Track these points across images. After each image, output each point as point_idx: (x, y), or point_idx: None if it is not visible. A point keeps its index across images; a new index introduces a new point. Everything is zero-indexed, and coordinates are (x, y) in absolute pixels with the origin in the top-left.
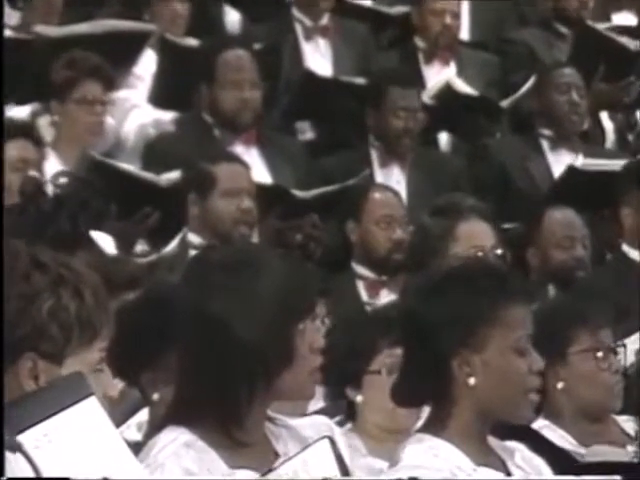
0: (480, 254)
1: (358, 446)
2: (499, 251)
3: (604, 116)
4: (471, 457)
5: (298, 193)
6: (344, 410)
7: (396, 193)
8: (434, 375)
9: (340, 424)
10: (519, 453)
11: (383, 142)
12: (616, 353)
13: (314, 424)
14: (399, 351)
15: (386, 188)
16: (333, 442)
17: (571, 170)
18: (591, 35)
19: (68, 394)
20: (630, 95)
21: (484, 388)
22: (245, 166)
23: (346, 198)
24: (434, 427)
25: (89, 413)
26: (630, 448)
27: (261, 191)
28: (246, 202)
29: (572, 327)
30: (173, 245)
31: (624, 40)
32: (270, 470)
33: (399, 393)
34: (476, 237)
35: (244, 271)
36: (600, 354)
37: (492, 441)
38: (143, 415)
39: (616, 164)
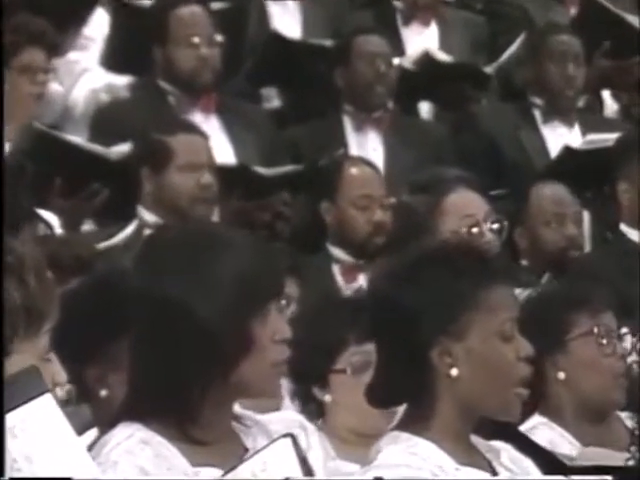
0: (475, 230)
1: (327, 448)
2: (495, 225)
3: (606, 94)
4: (453, 456)
5: (264, 171)
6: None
7: (374, 167)
8: (412, 368)
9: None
10: (506, 453)
11: (356, 101)
12: (621, 339)
13: (284, 420)
14: (368, 347)
15: (363, 162)
16: (295, 441)
17: (567, 150)
18: (597, 7)
19: (24, 390)
20: (634, 74)
21: (468, 379)
22: (204, 137)
23: (318, 175)
24: (412, 424)
25: (44, 410)
26: (632, 448)
27: (223, 171)
28: (206, 177)
29: (571, 310)
30: (131, 228)
31: (631, 18)
32: (229, 470)
33: (374, 393)
34: (467, 207)
35: (202, 252)
36: (603, 338)
37: (476, 440)
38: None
39: (613, 137)
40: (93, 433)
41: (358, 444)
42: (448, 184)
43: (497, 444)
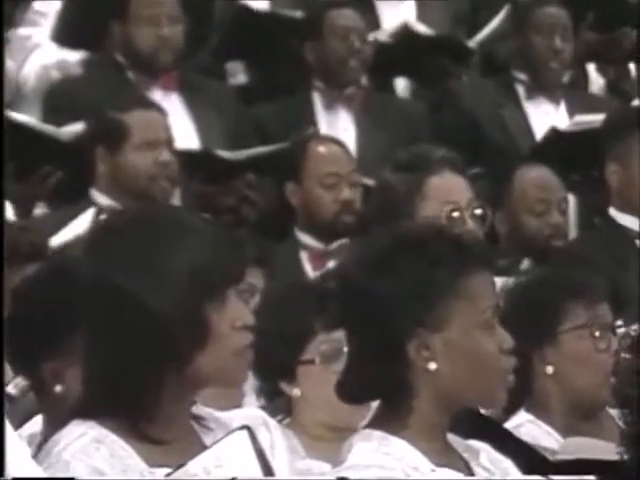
0: (456, 214)
1: (295, 447)
2: (478, 211)
3: (591, 68)
4: (429, 456)
5: (228, 155)
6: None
7: (342, 145)
8: (386, 362)
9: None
10: (485, 453)
11: (327, 78)
12: (615, 332)
13: (246, 417)
14: (337, 335)
15: (330, 140)
16: (252, 433)
17: (553, 132)
18: None
19: None
20: (622, 47)
21: (447, 373)
22: (162, 113)
23: (285, 156)
24: (386, 422)
25: None
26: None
27: (185, 154)
28: (164, 154)
29: (565, 300)
30: (87, 213)
31: None
32: (179, 467)
33: (346, 388)
34: (449, 192)
35: (156, 238)
36: (597, 332)
37: (453, 439)
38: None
39: (602, 118)
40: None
41: (330, 440)
42: (433, 165)
43: (476, 444)
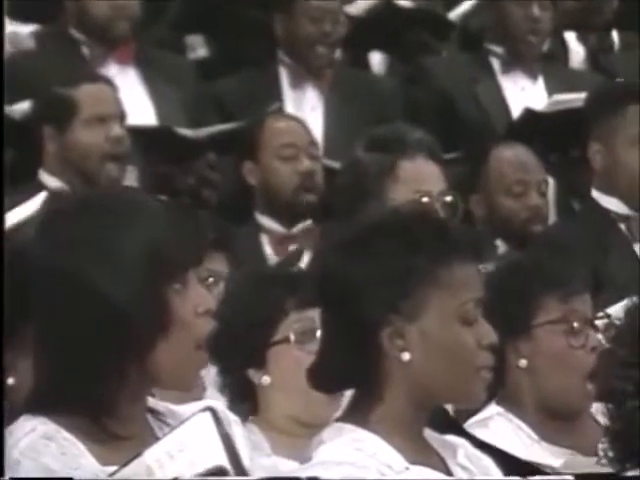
0: (425, 200)
1: (261, 443)
2: (449, 198)
3: (571, 37)
4: (404, 453)
5: (188, 133)
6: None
7: (300, 121)
8: (359, 350)
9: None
10: (463, 450)
11: (295, 55)
12: (595, 327)
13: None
14: (311, 313)
15: (287, 116)
16: (217, 416)
17: (529, 113)
18: None
19: None
20: (604, 14)
21: (421, 365)
22: (112, 86)
23: (244, 134)
24: (358, 415)
25: None
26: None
27: (142, 132)
28: (115, 129)
29: (537, 293)
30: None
31: None
32: (136, 456)
33: (318, 374)
34: (422, 180)
35: (109, 220)
36: (573, 328)
37: (430, 435)
38: None
39: (583, 97)
40: None
41: (299, 435)
42: (407, 147)
43: (454, 440)
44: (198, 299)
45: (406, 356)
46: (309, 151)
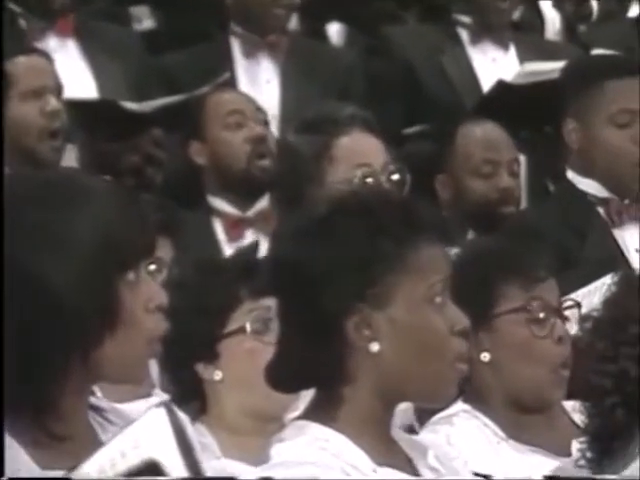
0: (369, 180)
1: (210, 444)
2: (396, 176)
3: (546, 5)
4: (370, 454)
5: (131, 106)
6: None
7: (246, 94)
8: (322, 343)
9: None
10: (433, 451)
11: (247, 22)
12: (563, 316)
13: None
14: (266, 302)
15: (232, 90)
16: (171, 411)
17: (500, 86)
18: None
19: None
20: None
21: (391, 356)
22: (47, 57)
23: (191, 109)
24: (322, 413)
25: None
26: (576, 446)
27: (83, 106)
28: (52, 102)
29: (500, 278)
30: None
31: None
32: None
33: (277, 372)
34: (361, 154)
35: (53, 204)
36: (536, 316)
37: (398, 435)
38: None
39: (559, 68)
40: None
41: (253, 434)
42: (340, 124)
43: (424, 440)
44: (150, 293)
45: (375, 347)
46: (257, 117)
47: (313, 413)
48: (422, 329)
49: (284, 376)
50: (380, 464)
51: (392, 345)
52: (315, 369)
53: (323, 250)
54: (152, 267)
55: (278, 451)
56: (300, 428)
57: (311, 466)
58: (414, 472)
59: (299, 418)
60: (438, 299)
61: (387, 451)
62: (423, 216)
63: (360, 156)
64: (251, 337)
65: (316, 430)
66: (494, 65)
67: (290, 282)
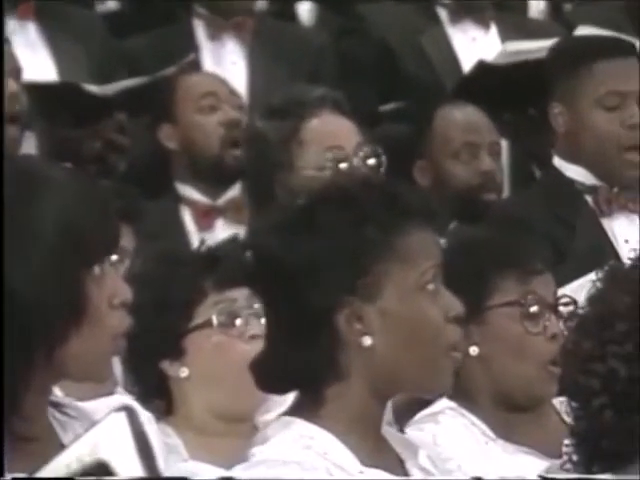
0: (343, 164)
1: (176, 446)
2: (372, 159)
3: None
4: (358, 453)
5: (94, 89)
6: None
7: (220, 76)
8: (312, 340)
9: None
10: (425, 451)
11: (211, 5)
12: (558, 312)
13: (111, 407)
14: (233, 294)
15: (204, 72)
16: (133, 415)
17: (481, 66)
18: None
19: None
20: None
21: (384, 349)
22: (5, 41)
23: (158, 92)
24: (309, 410)
25: None
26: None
27: (42, 90)
28: (10, 85)
29: (495, 270)
30: None
31: None
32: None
33: (264, 372)
34: (331, 136)
35: (11, 195)
36: (530, 311)
37: (389, 433)
38: None
39: (543, 47)
40: None
41: (221, 435)
42: (309, 106)
43: (416, 438)
44: (114, 288)
45: (367, 341)
46: (231, 100)
47: (299, 410)
48: (415, 319)
49: (272, 376)
50: (368, 465)
51: (385, 338)
52: (305, 368)
53: (307, 243)
54: (114, 257)
55: (260, 448)
56: (285, 424)
57: (294, 465)
58: (404, 473)
59: (285, 414)
60: (431, 286)
61: (376, 451)
62: (409, 200)
63: (331, 138)
64: (218, 331)
65: (301, 427)
66: (474, 44)
67: (275, 278)
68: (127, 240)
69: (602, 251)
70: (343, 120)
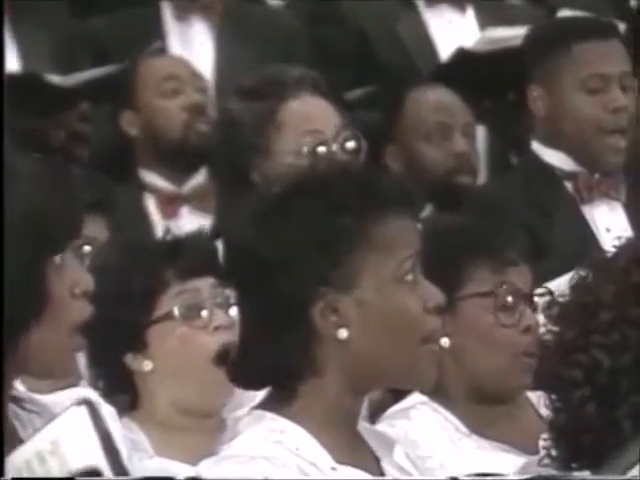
0: (322, 149)
1: (141, 442)
2: (350, 144)
3: None
4: (331, 450)
5: (58, 80)
6: None
7: (182, 58)
8: (287, 333)
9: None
10: (401, 447)
11: None
12: (533, 304)
13: (72, 400)
14: (196, 283)
15: (166, 55)
16: (94, 409)
17: (461, 54)
18: None
19: None
20: None
21: (361, 342)
22: None
23: (120, 80)
24: (281, 404)
25: None
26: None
27: (2, 82)
28: None
29: (468, 259)
30: None
31: None
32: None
33: (238, 367)
34: (310, 119)
35: None
36: (504, 302)
37: (365, 429)
38: None
39: (521, 33)
40: None
41: (187, 430)
42: (288, 87)
43: (393, 434)
44: (75, 278)
45: (343, 333)
46: (195, 83)
47: (271, 404)
48: (393, 310)
49: (246, 371)
50: (341, 462)
51: (362, 330)
52: (279, 362)
53: (280, 232)
54: (87, 248)
55: (229, 443)
56: (257, 418)
57: (263, 461)
58: (379, 471)
59: (257, 407)
60: (409, 276)
61: (350, 447)
62: (387, 187)
63: (310, 122)
64: (181, 322)
65: (272, 421)
66: (451, 27)
67: (248, 269)
68: (99, 231)
69: (582, 240)
70: (322, 102)
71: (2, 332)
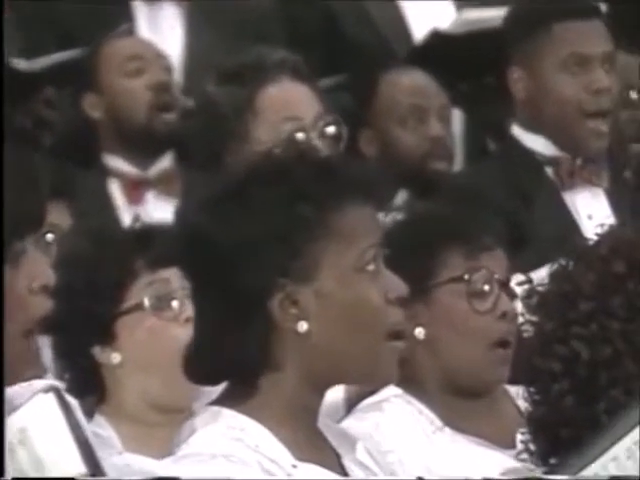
0: (300, 135)
1: (110, 438)
2: (331, 129)
3: None
4: (291, 447)
5: (22, 65)
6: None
7: (145, 38)
8: (243, 327)
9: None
10: (363, 444)
11: None
12: (510, 291)
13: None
14: (165, 274)
15: (129, 36)
16: (61, 396)
17: (435, 36)
18: None
19: None
20: None
21: (321, 335)
22: None
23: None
24: (239, 400)
25: None
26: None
27: None
28: None
29: (441, 244)
30: None
31: None
32: None
33: (194, 362)
34: (289, 105)
35: None
36: (478, 288)
37: (326, 426)
38: None
39: (500, 15)
40: None
41: (159, 425)
42: (267, 71)
43: (355, 430)
44: (34, 271)
45: (303, 326)
46: (159, 62)
47: (229, 400)
48: (354, 301)
49: (202, 366)
50: (301, 459)
51: (322, 323)
52: (236, 356)
53: (236, 220)
54: (49, 236)
55: (187, 441)
56: (214, 415)
57: (223, 460)
58: (341, 468)
59: (214, 403)
60: (370, 267)
61: (311, 444)
62: (347, 174)
63: (288, 107)
64: (150, 314)
65: (230, 418)
66: (426, 6)
67: (203, 259)
68: (62, 217)
69: (564, 227)
70: (302, 88)
71: (2, 343)
